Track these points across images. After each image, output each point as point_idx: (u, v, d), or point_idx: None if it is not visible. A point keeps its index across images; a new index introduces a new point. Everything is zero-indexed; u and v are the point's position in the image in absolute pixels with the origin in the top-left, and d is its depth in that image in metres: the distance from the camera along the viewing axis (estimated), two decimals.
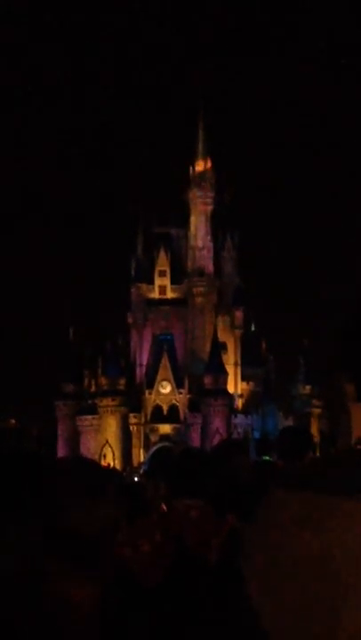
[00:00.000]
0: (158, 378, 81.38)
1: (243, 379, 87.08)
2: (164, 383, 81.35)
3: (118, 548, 2.50)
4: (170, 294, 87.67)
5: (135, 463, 77.36)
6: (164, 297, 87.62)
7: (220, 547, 2.64)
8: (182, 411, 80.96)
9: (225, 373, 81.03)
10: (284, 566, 1.14)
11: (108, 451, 76.78)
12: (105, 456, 74.23)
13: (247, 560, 1.21)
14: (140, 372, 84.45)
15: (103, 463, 58.57)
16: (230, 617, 2.22)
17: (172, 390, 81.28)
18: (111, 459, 74.00)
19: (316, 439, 79.74)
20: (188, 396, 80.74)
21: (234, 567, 2.51)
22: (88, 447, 78.28)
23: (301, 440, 5.22)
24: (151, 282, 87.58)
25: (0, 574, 2.08)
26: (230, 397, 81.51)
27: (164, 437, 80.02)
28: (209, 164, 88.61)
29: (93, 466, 2.28)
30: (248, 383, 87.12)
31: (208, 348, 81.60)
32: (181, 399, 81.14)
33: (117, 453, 76.98)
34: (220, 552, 2.61)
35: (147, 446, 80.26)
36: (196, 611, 2.46)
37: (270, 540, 1.17)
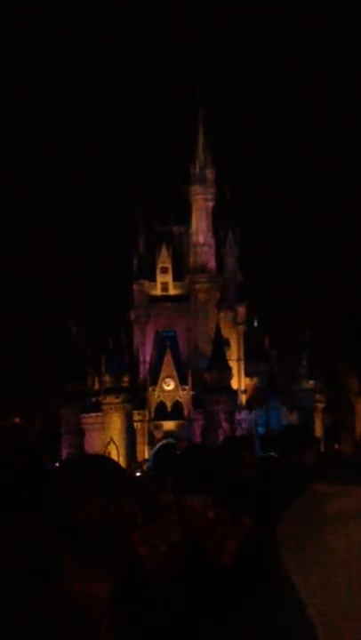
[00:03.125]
0: (162, 375, 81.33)
1: (246, 374, 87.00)
2: (168, 380, 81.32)
3: (134, 547, 2.51)
4: (172, 291, 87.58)
5: (140, 460, 77.33)
6: (167, 294, 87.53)
7: (237, 549, 2.65)
8: (186, 407, 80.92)
9: (228, 369, 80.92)
10: (333, 560, 1.14)
11: (112, 448, 76.74)
12: (109, 453, 74.21)
13: (292, 553, 1.22)
14: (143, 369, 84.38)
15: None
16: (245, 619, 2.25)
17: (176, 387, 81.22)
18: (116, 456, 73.96)
19: (320, 434, 79.72)
20: (191, 393, 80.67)
21: (249, 570, 2.54)
22: (92, 445, 78.21)
23: (302, 436, 5.25)
24: (153, 279, 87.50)
25: (13, 571, 2.11)
26: (234, 393, 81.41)
27: (169, 434, 79.93)
28: (210, 161, 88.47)
29: (107, 462, 2.29)
30: (252, 379, 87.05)
31: (211, 344, 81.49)
32: (185, 396, 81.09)
33: (122, 451, 76.95)
34: (235, 554, 2.62)
35: (151, 443, 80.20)
36: (208, 611, 2.48)
37: (318, 534, 1.17)
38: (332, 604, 1.14)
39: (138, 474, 38.91)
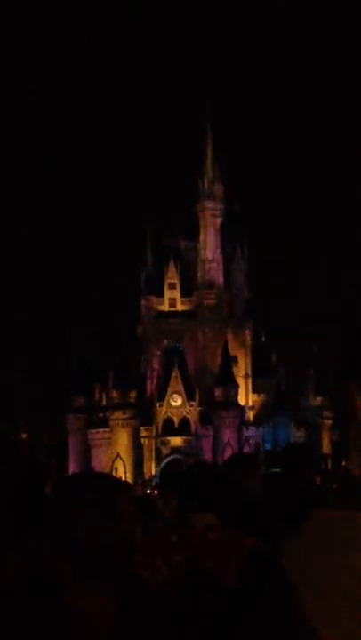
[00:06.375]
0: (169, 390, 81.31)
1: (254, 390, 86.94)
2: (175, 396, 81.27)
3: (136, 569, 2.50)
4: (180, 307, 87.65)
5: (147, 476, 77.24)
6: (175, 309, 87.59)
7: (239, 570, 2.63)
8: (193, 423, 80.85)
9: (236, 385, 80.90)
10: (338, 589, 1.13)
11: (119, 464, 76.67)
12: (116, 469, 74.11)
13: (300, 578, 1.21)
14: (150, 385, 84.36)
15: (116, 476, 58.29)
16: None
17: (183, 403, 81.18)
18: (122, 472, 73.89)
19: (328, 451, 79.53)
20: (198, 409, 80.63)
21: (253, 591, 2.52)
22: (99, 461, 78.20)
23: (300, 456, 5.22)
24: (161, 294, 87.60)
25: (15, 587, 2.11)
26: (241, 409, 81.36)
27: (176, 450, 79.89)
28: (218, 177, 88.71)
29: (108, 479, 2.30)
30: (259, 395, 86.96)
31: (218, 360, 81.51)
32: (192, 412, 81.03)
33: (129, 467, 76.86)
34: (238, 576, 2.61)
35: (158, 459, 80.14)
36: (211, 633, 2.47)
37: (325, 560, 1.16)
38: (336, 632, 1.12)
39: (148, 491, 38.91)
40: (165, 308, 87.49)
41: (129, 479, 67.85)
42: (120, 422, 78.49)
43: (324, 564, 1.15)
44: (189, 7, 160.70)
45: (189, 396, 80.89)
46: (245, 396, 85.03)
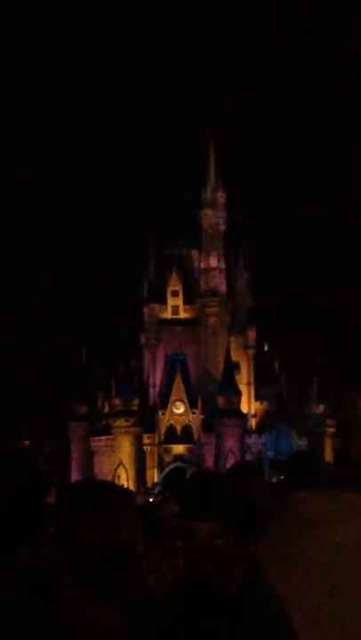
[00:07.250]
0: (172, 398, 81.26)
1: (256, 398, 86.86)
2: (178, 403, 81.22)
3: (142, 575, 2.50)
4: (183, 314, 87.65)
5: (149, 484, 77.14)
6: (177, 317, 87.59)
7: (244, 577, 2.64)
8: (196, 431, 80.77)
9: (238, 393, 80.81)
10: (313, 565, 1.14)
11: (122, 471, 76.60)
12: (119, 477, 74.03)
13: (274, 560, 1.22)
14: (153, 393, 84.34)
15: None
16: None
17: (186, 410, 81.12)
18: (125, 479, 73.81)
19: (330, 459, 79.38)
20: (201, 417, 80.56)
21: (253, 598, 2.52)
22: (102, 468, 78.11)
23: (306, 464, 5.23)
24: (164, 302, 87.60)
25: (17, 599, 2.11)
26: (244, 417, 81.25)
27: (178, 458, 79.78)
28: (221, 185, 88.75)
29: (109, 487, 2.30)
30: (261, 403, 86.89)
31: (221, 367, 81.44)
32: (195, 419, 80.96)
33: (131, 474, 76.79)
34: (242, 583, 2.62)
35: (161, 467, 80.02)
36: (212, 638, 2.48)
37: (292, 537, 1.17)
38: (315, 608, 1.13)
39: (151, 499, 38.78)
40: (168, 315, 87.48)
41: (131, 487, 67.71)
42: (122, 430, 78.45)
43: (296, 541, 1.16)
44: (189, 7, 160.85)
45: (192, 404, 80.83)
46: (248, 404, 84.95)
